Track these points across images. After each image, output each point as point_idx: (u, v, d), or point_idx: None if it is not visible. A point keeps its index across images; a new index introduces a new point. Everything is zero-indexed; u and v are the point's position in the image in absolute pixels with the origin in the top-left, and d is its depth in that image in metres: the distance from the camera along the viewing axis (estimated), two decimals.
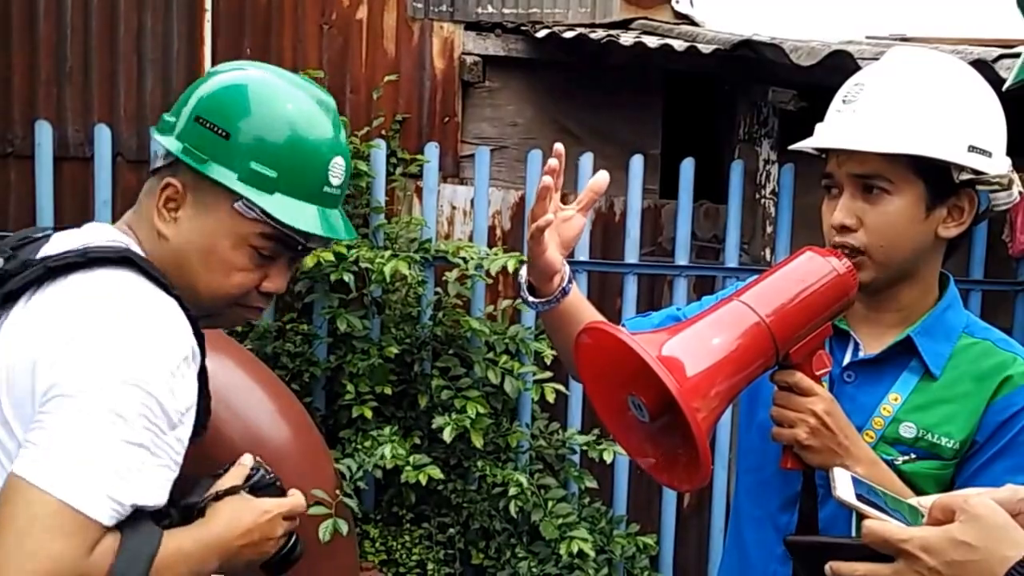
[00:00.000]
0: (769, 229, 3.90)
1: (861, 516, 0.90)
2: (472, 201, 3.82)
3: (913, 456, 1.29)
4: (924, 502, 0.91)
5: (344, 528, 2.68)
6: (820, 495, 1.29)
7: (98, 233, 1.22)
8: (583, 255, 3.56)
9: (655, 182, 4.00)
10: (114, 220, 1.30)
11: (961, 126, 1.26)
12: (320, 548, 2.76)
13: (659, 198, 4.00)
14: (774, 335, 1.18)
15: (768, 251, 3.90)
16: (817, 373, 1.25)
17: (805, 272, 1.24)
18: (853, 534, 1.00)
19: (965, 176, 1.26)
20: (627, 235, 3.58)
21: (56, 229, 1.25)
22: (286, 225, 1.21)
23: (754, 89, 3.71)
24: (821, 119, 1.37)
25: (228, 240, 1.21)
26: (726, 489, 3.75)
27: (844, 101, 1.32)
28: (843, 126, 1.31)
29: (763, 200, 3.90)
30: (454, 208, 3.84)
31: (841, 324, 1.36)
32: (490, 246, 3.52)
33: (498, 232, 3.83)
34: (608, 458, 3.18)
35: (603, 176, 1.40)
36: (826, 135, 1.33)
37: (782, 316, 1.19)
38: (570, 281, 1.40)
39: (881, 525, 0.87)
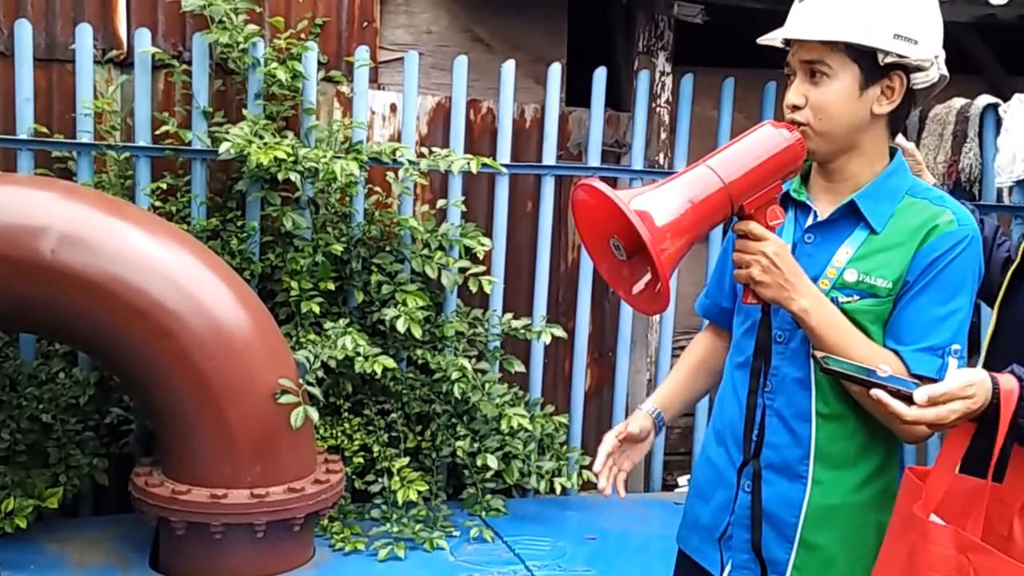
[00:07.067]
0: (663, 135, 4.26)
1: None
2: (392, 106, 3.94)
3: (855, 297, 1.59)
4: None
5: (315, 415, 2.84)
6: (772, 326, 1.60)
7: None
8: (505, 159, 3.78)
9: (561, 90, 4.24)
10: None
11: (886, 17, 1.54)
12: (289, 434, 2.92)
13: (565, 105, 4.25)
14: (731, 195, 1.47)
15: (662, 155, 4.26)
16: (771, 223, 1.53)
17: (761, 141, 1.53)
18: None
19: (890, 60, 1.55)
20: (545, 139, 3.82)
21: None
22: None
23: (655, 3, 3.99)
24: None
25: None
26: (627, 373, 4.16)
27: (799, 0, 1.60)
28: (795, 19, 1.59)
29: (658, 109, 4.24)
30: (373, 113, 3.93)
31: (804, 198, 1.67)
32: None
33: (416, 137, 3.96)
34: (547, 339, 3.48)
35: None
36: (785, 28, 1.62)
37: (740, 179, 1.48)
38: (661, 423, 1.84)
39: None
